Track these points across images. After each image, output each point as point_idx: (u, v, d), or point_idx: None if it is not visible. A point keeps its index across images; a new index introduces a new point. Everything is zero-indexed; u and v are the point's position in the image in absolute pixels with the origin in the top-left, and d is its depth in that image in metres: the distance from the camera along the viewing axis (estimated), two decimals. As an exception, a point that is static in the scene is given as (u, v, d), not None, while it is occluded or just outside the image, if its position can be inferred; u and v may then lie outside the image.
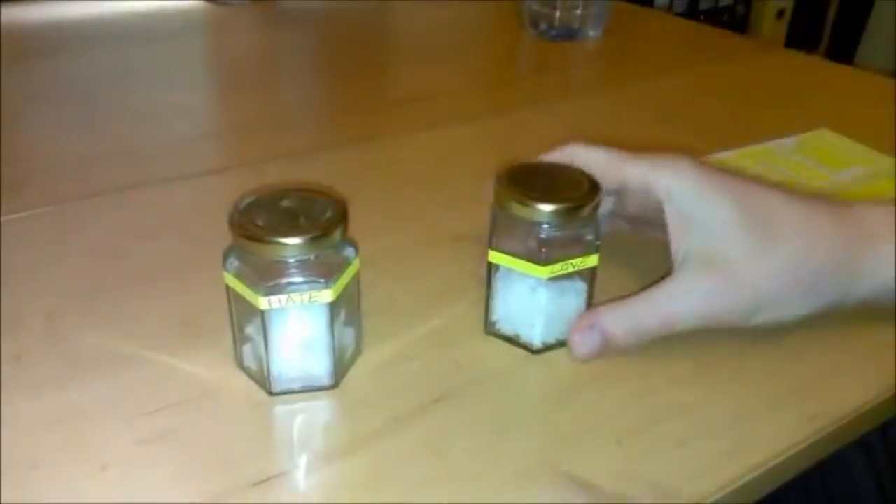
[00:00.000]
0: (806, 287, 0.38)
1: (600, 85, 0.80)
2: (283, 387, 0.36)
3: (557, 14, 0.84)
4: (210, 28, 0.91)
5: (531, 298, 0.39)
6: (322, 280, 0.34)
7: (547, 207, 0.37)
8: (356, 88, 0.74)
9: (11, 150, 0.59)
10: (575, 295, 0.40)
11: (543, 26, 0.86)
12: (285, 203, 0.36)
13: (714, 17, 1.68)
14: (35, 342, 0.39)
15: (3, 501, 0.31)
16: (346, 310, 0.37)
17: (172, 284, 0.44)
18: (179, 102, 0.70)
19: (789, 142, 0.61)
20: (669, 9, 1.64)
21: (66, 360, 0.38)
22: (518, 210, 0.38)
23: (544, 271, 0.38)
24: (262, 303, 0.34)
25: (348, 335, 0.38)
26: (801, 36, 1.75)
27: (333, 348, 0.36)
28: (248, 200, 0.36)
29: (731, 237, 0.38)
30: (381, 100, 0.73)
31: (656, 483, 0.32)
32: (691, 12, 1.67)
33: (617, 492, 0.32)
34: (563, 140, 0.42)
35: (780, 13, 1.75)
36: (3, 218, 0.50)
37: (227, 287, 0.36)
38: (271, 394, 0.36)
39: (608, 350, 0.38)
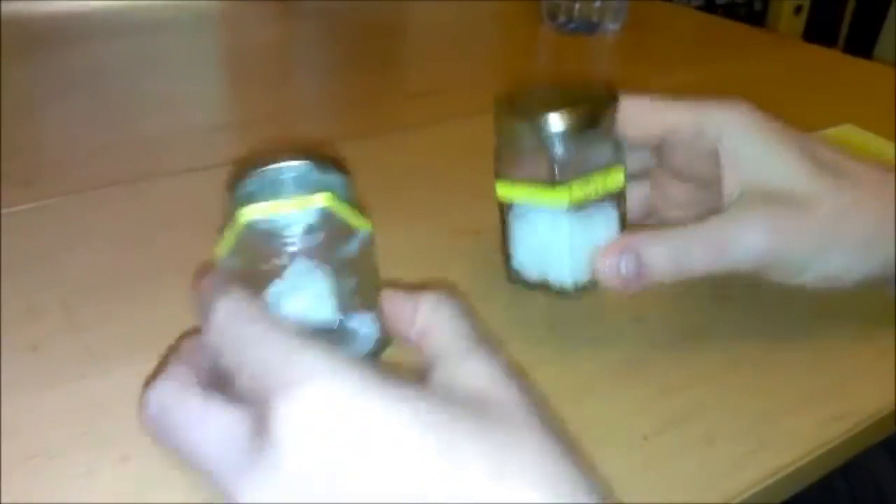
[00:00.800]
0: (870, 238, 0.35)
1: (619, 79, 0.79)
2: None
3: (576, 6, 0.84)
4: (224, 20, 0.91)
5: (554, 233, 0.34)
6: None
7: (557, 118, 0.32)
8: (371, 81, 0.74)
9: (25, 140, 0.59)
10: (604, 222, 0.34)
11: (562, 19, 0.85)
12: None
13: (731, 13, 1.67)
14: (52, 332, 0.39)
15: (21, 491, 0.30)
16: (360, 286, 0.32)
17: (188, 276, 0.43)
18: (194, 94, 0.70)
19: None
20: (686, 4, 1.63)
21: (84, 350, 0.38)
22: (523, 128, 0.33)
23: (562, 195, 0.32)
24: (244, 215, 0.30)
25: (366, 322, 0.33)
26: (819, 31, 1.74)
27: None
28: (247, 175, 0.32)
29: (796, 174, 0.34)
30: (397, 93, 0.73)
31: (682, 482, 0.32)
32: (708, 8, 1.66)
33: (642, 489, 0.31)
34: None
35: (798, 9, 1.74)
36: (18, 208, 0.49)
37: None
38: None
39: (644, 285, 0.34)
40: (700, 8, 1.61)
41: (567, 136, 0.33)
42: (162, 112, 0.65)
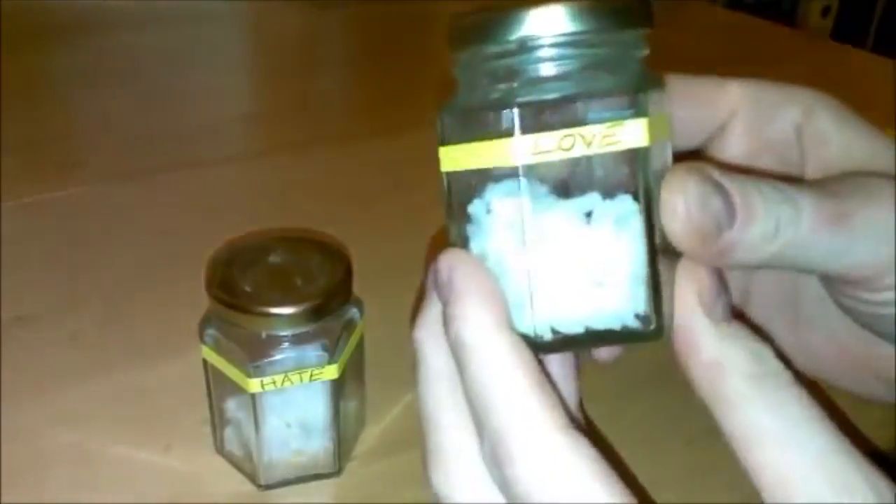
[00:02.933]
0: None
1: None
2: (277, 478, 0.30)
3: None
4: (255, 13, 0.91)
5: (515, 238, 0.20)
6: (324, 353, 0.29)
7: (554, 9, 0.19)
8: (402, 75, 0.73)
9: (67, 126, 0.59)
10: (622, 226, 0.20)
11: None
12: (274, 258, 0.30)
13: (758, 12, 1.65)
14: (91, 322, 0.39)
15: (66, 480, 0.30)
16: (350, 382, 0.31)
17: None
18: (224, 84, 0.70)
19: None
20: (714, 1, 1.61)
21: (123, 341, 0.38)
22: (489, 32, 0.20)
23: (517, 145, 0.19)
24: (253, 385, 0.28)
25: (352, 409, 0.32)
26: (847, 32, 1.72)
27: (337, 430, 0.30)
28: (227, 255, 0.30)
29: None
30: (427, 87, 0.72)
31: (727, 488, 0.31)
32: (735, 6, 1.64)
33: (687, 494, 0.31)
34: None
35: (826, 10, 1.72)
36: (61, 193, 0.49)
37: (205, 362, 0.30)
38: (261, 487, 0.30)
39: (729, 250, 0.21)
40: (726, 6, 1.60)
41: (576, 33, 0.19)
42: (192, 102, 0.65)
